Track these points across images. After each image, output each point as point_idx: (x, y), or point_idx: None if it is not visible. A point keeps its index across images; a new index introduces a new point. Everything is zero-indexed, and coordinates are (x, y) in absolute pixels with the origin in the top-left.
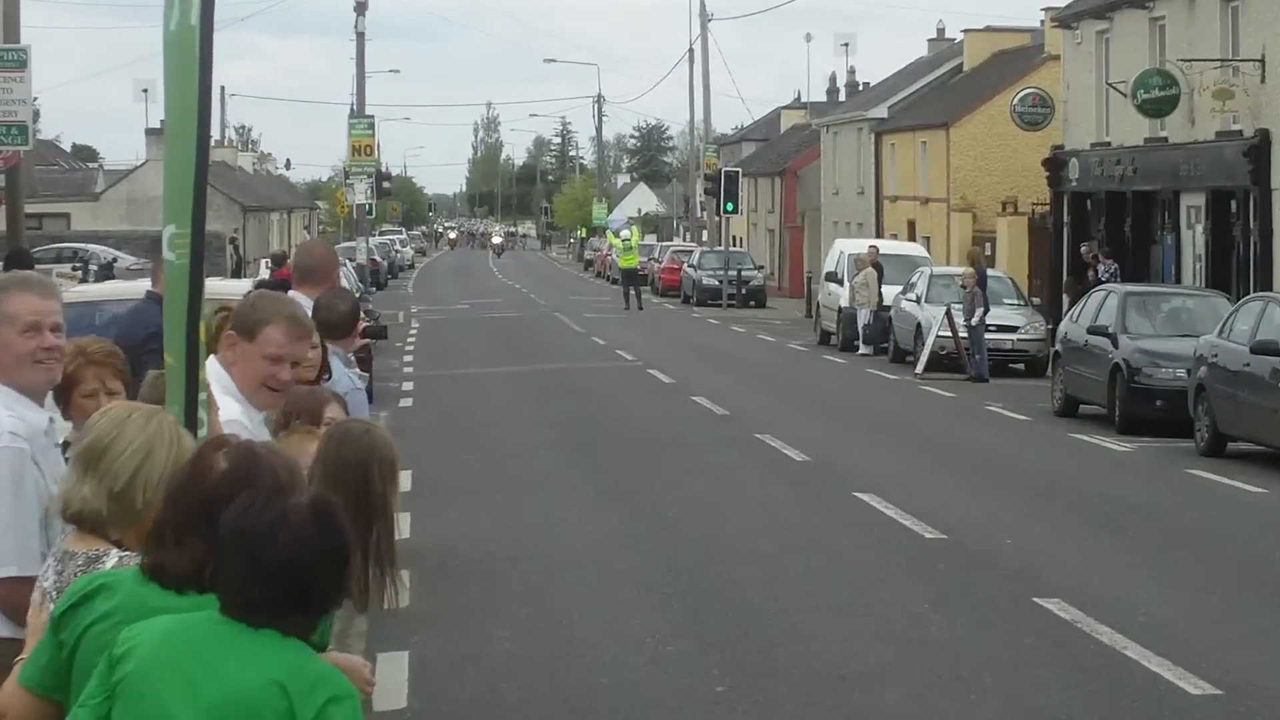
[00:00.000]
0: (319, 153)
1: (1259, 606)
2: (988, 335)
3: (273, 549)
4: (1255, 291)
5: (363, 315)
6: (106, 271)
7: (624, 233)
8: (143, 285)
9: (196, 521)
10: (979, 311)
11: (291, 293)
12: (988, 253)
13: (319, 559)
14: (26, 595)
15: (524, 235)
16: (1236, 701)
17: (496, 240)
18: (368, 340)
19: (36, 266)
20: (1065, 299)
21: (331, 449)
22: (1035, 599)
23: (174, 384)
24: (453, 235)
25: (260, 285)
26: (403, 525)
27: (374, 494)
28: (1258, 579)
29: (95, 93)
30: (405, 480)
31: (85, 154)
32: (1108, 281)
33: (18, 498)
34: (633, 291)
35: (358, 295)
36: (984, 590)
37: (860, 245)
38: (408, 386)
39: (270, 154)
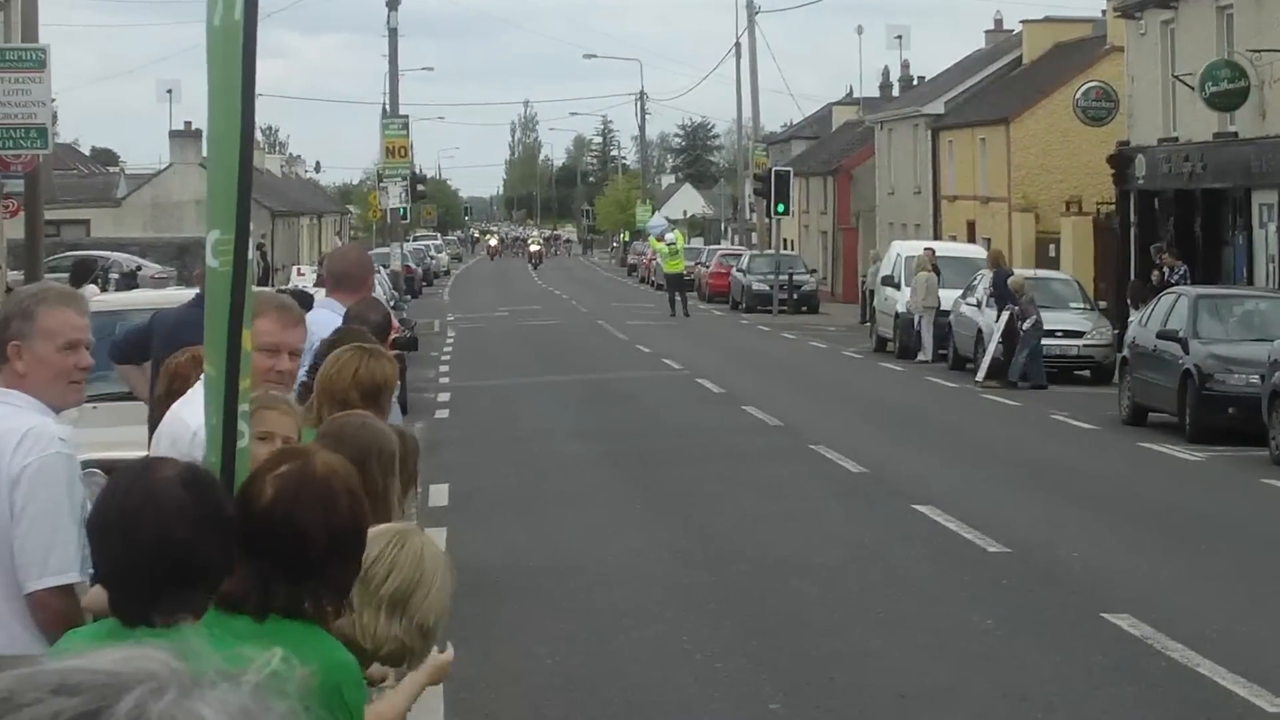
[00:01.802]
0: (350, 155)
1: None
2: (1053, 341)
3: (146, 526)
4: None
5: (396, 325)
6: (130, 280)
7: (669, 236)
8: (172, 294)
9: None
10: (1032, 317)
11: (326, 299)
12: (1051, 254)
13: (194, 527)
14: (76, 601)
15: (566, 240)
16: None
17: (534, 248)
18: (400, 351)
19: (52, 276)
20: (1130, 303)
21: (329, 444)
22: (1104, 615)
23: (213, 396)
24: (493, 242)
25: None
26: (439, 540)
27: (373, 488)
28: None
29: (115, 94)
30: (442, 495)
31: (105, 157)
32: (1176, 284)
33: (72, 503)
34: (678, 297)
35: (391, 304)
36: (1050, 606)
37: (918, 247)
38: (444, 397)
39: (299, 156)
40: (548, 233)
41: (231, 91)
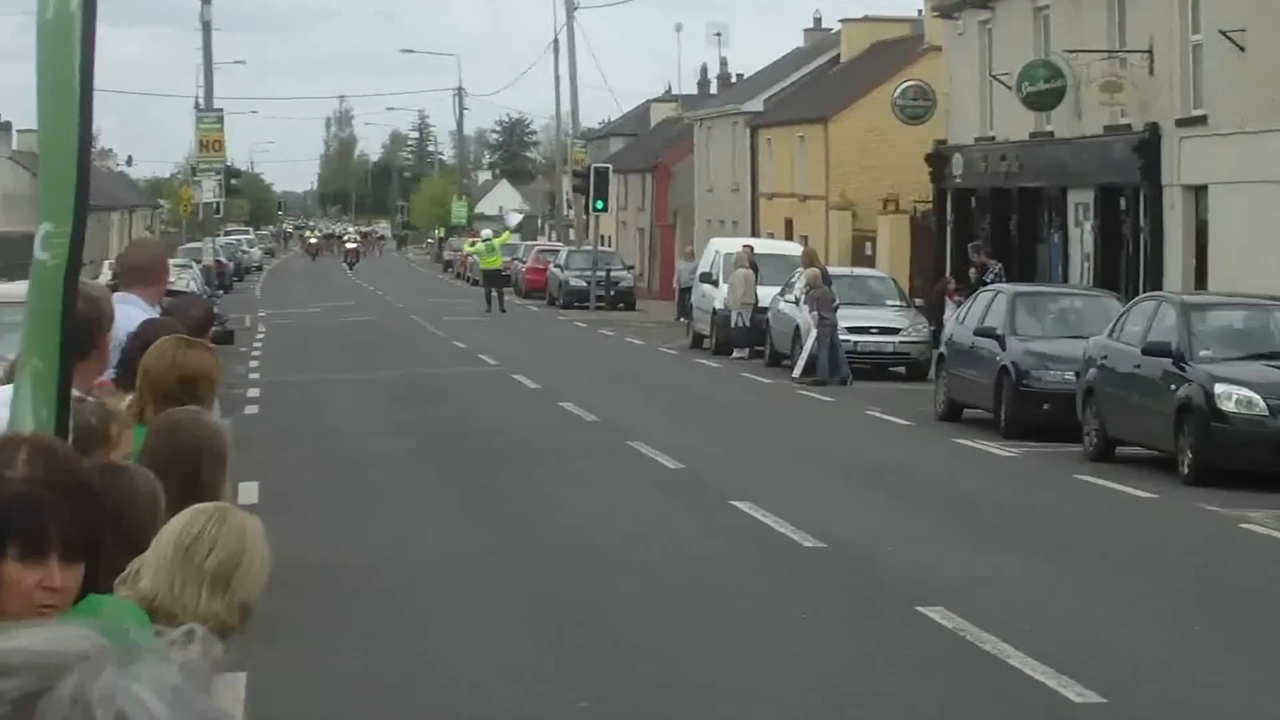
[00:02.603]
0: (161, 148)
1: (1146, 612)
2: (868, 338)
3: None
4: (1144, 291)
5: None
6: None
7: (485, 232)
8: None
9: None
10: (815, 313)
11: (121, 292)
12: (868, 252)
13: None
14: None
15: (380, 237)
16: (1121, 708)
17: (350, 246)
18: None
19: None
20: (942, 297)
21: (161, 439)
22: (918, 608)
23: (43, 390)
24: (314, 240)
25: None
26: None
27: (201, 484)
28: (1146, 585)
29: None
30: (251, 492)
31: None
32: (993, 282)
33: None
34: (495, 293)
35: (204, 298)
36: (864, 600)
37: (735, 244)
38: (253, 393)
39: (110, 150)
40: (364, 228)
41: (66, 83)
